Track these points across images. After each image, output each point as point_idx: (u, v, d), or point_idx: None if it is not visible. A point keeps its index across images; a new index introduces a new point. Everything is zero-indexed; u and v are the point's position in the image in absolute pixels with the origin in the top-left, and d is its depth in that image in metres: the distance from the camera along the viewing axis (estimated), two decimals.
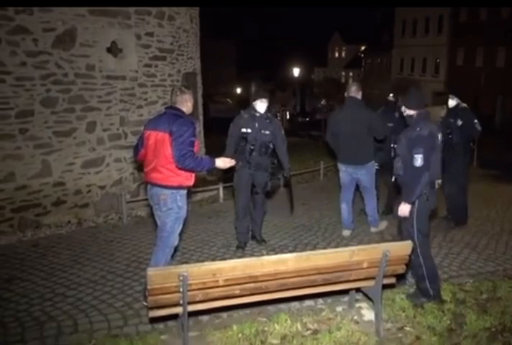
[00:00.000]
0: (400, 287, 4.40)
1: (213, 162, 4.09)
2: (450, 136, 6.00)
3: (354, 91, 5.73)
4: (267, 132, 5.25)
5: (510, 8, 27.63)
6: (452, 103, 6.18)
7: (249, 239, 5.75)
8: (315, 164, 11.50)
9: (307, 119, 36.62)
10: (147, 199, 7.50)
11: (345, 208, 6.01)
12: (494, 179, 10.55)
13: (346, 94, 5.96)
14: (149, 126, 4.08)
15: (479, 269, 4.98)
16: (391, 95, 6.85)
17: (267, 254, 5.32)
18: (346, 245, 5.65)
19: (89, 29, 6.77)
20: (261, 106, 5.28)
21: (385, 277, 3.66)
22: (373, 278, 3.64)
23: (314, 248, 5.63)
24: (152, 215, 4.58)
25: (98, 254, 5.48)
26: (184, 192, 4.14)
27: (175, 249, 4.45)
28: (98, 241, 6.00)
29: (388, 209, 6.84)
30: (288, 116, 44.02)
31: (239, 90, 56.78)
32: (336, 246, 5.58)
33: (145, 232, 6.36)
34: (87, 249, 5.67)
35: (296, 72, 35.58)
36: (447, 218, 6.50)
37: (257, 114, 5.27)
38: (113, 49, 7.14)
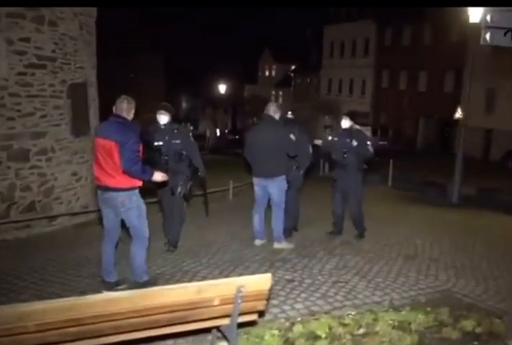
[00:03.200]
0: (274, 321, 3.90)
1: (152, 175, 4.40)
2: (345, 156, 6.22)
3: (272, 111, 5.89)
4: (178, 141, 5.53)
5: (431, 33, 28.97)
6: (346, 124, 6.37)
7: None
8: (226, 184, 10.93)
9: (237, 137, 36.45)
10: (16, 221, 6.92)
11: (257, 218, 6.05)
12: (406, 200, 10.49)
13: (264, 112, 5.97)
14: (96, 134, 4.43)
15: (365, 299, 4.51)
16: (289, 113, 6.66)
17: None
18: (231, 273, 5.10)
19: None
20: (162, 118, 5.56)
21: (243, 314, 3.10)
22: (229, 316, 3.07)
23: (194, 276, 5.03)
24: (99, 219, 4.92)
25: None
26: (137, 191, 4.43)
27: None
28: None
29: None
30: (218, 134, 43.71)
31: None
32: (219, 275, 5.01)
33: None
34: None
35: (222, 89, 35.33)
36: (334, 232, 6.67)
37: (162, 126, 5.55)
38: None
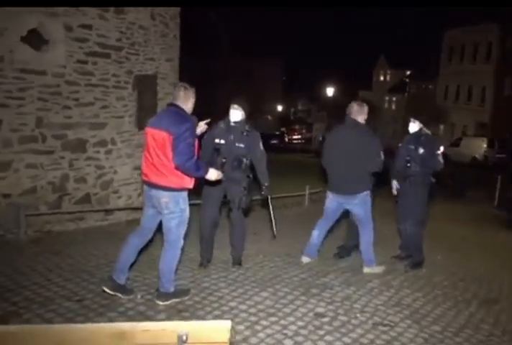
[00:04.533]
0: None
1: (207, 172, 3.95)
2: (408, 165, 5.30)
3: (355, 112, 5.02)
4: (242, 145, 4.81)
5: None
6: (414, 127, 5.43)
7: (212, 256, 5.16)
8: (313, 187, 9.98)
9: None
10: (62, 212, 6.71)
11: (316, 234, 5.28)
12: (507, 225, 8.82)
13: (346, 113, 5.11)
14: (149, 124, 3.96)
15: None
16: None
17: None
18: (253, 295, 4.33)
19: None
20: (233, 113, 4.85)
21: None
22: None
23: (208, 295, 4.31)
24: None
25: None
26: (185, 194, 3.99)
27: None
28: None
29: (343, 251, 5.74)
30: (320, 138, 42.82)
31: (280, 108, 56.82)
32: (238, 296, 4.26)
33: (29, 254, 5.26)
34: None
35: (330, 91, 34.27)
36: (400, 257, 5.71)
37: (232, 124, 4.85)
38: (31, 39, 6.13)
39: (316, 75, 56.63)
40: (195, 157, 3.83)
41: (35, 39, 6.20)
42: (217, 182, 4.45)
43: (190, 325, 2.22)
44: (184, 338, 2.14)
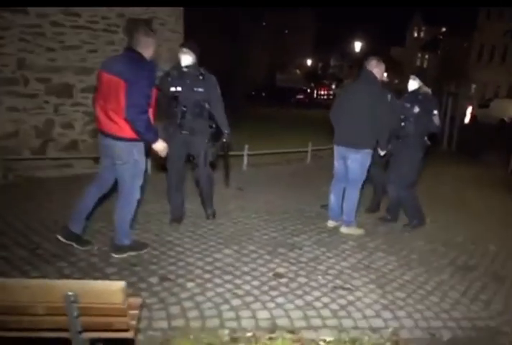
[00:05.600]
0: (214, 331, 2.92)
1: (156, 140, 3.71)
2: (403, 125, 4.99)
3: (372, 66, 4.73)
4: (201, 89, 4.53)
5: None
6: (413, 85, 5.06)
7: (183, 213, 4.98)
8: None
9: None
10: (41, 158, 6.58)
11: (333, 199, 5.09)
12: None
13: (363, 66, 4.84)
14: (102, 67, 3.66)
15: (360, 321, 3.25)
16: (385, 75, 5.33)
17: None
18: (214, 252, 4.16)
19: None
20: (183, 57, 4.53)
21: (91, 330, 2.16)
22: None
23: (169, 249, 4.16)
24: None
25: None
26: (141, 144, 3.72)
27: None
28: None
29: (375, 206, 5.81)
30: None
31: (309, 62, 55.63)
32: (194, 251, 4.11)
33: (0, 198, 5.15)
34: None
35: (357, 46, 33.07)
36: (386, 219, 5.48)
37: (184, 69, 4.53)
38: None
39: (349, 30, 54.69)
40: (148, 113, 3.55)
41: None
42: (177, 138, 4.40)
43: (80, 285, 2.04)
44: (72, 298, 1.97)
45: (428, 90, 5.01)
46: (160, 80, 4.57)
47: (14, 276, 3.38)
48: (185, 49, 4.53)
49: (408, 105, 4.94)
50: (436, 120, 4.88)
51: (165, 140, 3.87)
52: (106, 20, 6.92)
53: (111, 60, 3.73)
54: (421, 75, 5.14)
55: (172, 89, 4.51)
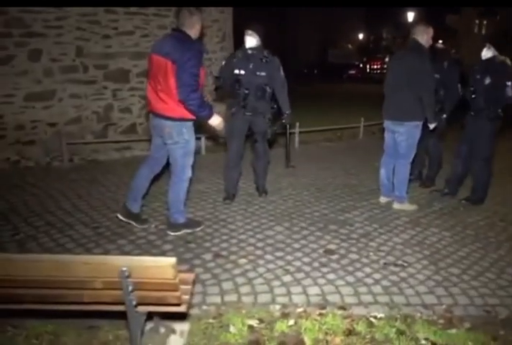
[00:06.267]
0: (265, 306, 3.02)
1: (211, 115, 3.81)
2: (473, 97, 4.80)
3: (418, 32, 4.63)
4: (263, 73, 4.62)
5: None
6: (487, 54, 4.74)
7: (237, 191, 5.14)
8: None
9: None
10: (104, 142, 6.88)
11: (383, 173, 5.07)
12: None
13: (410, 35, 4.75)
14: (152, 50, 3.78)
15: (412, 298, 3.27)
16: (440, 41, 5.15)
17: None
18: (264, 229, 4.25)
19: None
20: (248, 39, 4.61)
21: (146, 304, 2.31)
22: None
23: (222, 227, 4.29)
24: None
25: None
26: (190, 124, 3.83)
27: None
28: None
29: (429, 181, 5.77)
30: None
31: (361, 36, 53.88)
32: (250, 229, 4.21)
33: (66, 180, 5.50)
34: None
35: (410, 16, 31.63)
36: (443, 192, 5.35)
37: (249, 52, 4.61)
38: None
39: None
40: (199, 91, 3.63)
41: None
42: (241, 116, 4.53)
43: (134, 261, 2.17)
44: (126, 273, 2.11)
45: (506, 58, 4.67)
46: (225, 61, 4.79)
47: (78, 253, 3.62)
48: (250, 31, 4.60)
49: (479, 76, 4.71)
50: (510, 91, 4.60)
51: (227, 117, 3.97)
52: None
53: (159, 42, 3.83)
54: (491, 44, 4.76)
55: (236, 71, 4.62)
